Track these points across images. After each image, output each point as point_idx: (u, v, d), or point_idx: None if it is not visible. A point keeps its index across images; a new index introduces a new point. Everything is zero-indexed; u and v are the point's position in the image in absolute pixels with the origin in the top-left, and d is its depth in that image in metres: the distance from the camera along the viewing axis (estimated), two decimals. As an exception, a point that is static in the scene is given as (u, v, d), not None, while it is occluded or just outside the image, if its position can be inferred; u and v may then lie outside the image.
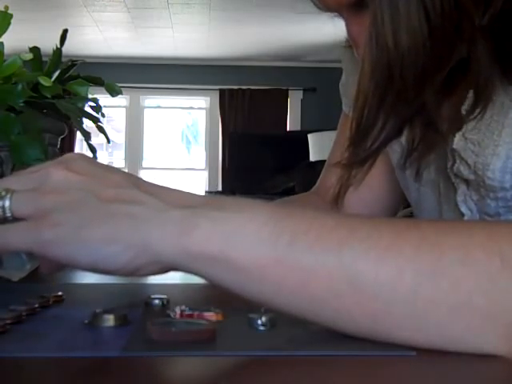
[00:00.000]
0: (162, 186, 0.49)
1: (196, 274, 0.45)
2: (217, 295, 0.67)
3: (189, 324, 0.46)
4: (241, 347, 0.43)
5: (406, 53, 0.58)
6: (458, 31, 0.57)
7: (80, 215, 0.46)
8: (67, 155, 0.51)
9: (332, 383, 0.38)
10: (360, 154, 0.66)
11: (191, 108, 7.21)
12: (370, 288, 0.42)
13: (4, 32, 0.82)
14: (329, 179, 0.92)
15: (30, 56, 0.85)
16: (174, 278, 0.86)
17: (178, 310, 0.49)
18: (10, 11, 0.82)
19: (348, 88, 0.89)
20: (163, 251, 0.44)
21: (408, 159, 0.70)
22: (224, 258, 0.44)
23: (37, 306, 0.52)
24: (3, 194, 0.47)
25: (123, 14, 5.23)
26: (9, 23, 0.82)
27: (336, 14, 0.65)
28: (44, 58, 0.90)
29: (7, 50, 0.84)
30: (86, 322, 0.47)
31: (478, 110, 0.62)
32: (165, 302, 0.55)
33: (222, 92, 6.75)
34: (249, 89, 6.68)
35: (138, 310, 0.52)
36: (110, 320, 0.47)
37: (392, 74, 0.59)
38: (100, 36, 5.87)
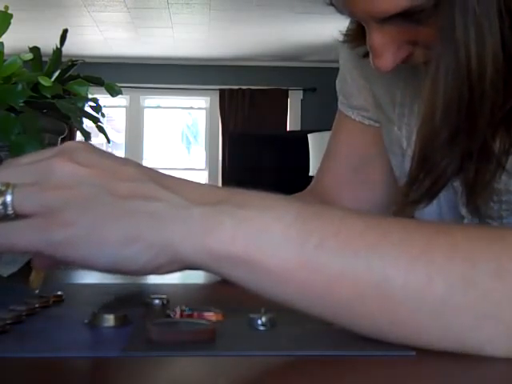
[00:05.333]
0: (178, 179, 0.46)
1: (218, 274, 0.44)
2: (217, 295, 0.67)
3: (189, 324, 0.46)
4: (241, 347, 0.42)
5: (489, 88, 0.55)
6: None
7: (93, 213, 0.42)
8: (68, 144, 0.46)
9: (332, 383, 0.38)
10: (419, 192, 0.61)
11: (191, 108, 7.21)
12: (397, 295, 0.41)
13: (4, 32, 0.82)
14: (326, 178, 0.91)
15: (29, 56, 0.85)
16: (174, 278, 0.86)
17: (178, 310, 0.49)
18: (9, 11, 0.82)
19: (346, 86, 0.88)
20: (185, 251, 0.43)
21: (468, 198, 0.63)
22: (248, 259, 0.42)
23: (37, 306, 0.52)
24: (3, 188, 0.43)
25: (123, 14, 5.22)
26: (9, 23, 0.82)
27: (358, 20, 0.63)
28: (44, 58, 0.90)
29: (7, 49, 0.84)
30: (86, 321, 0.47)
31: None
32: (165, 302, 0.54)
33: (221, 92, 6.75)
34: (249, 89, 6.68)
35: (138, 310, 0.52)
36: (110, 320, 0.47)
37: (471, 108, 0.56)
38: (100, 36, 5.86)
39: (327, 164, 0.92)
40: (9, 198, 0.43)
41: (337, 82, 0.90)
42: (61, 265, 0.45)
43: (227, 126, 6.67)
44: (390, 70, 0.62)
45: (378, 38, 0.61)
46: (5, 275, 0.72)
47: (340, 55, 0.88)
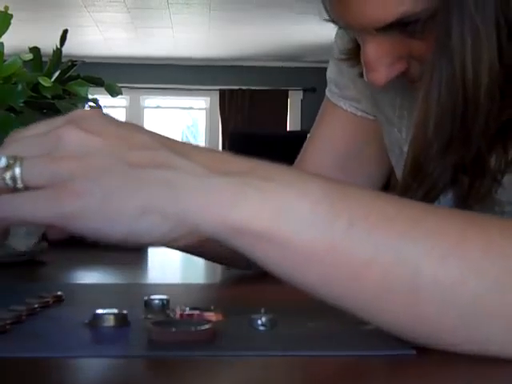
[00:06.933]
0: (194, 146, 0.44)
1: (237, 249, 0.41)
2: (217, 295, 0.67)
3: (189, 324, 0.46)
4: (241, 347, 0.42)
5: (483, 99, 0.54)
6: None
7: (105, 183, 0.40)
8: (77, 112, 0.44)
9: (332, 383, 0.38)
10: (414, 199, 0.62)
11: (191, 108, 7.21)
12: (426, 288, 0.39)
13: (4, 32, 0.82)
14: (310, 166, 0.86)
15: (29, 56, 0.85)
16: (174, 278, 0.86)
17: (178, 310, 0.49)
18: (10, 11, 0.82)
19: (342, 77, 0.83)
20: (204, 223, 0.40)
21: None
22: (272, 235, 0.40)
23: (37, 306, 0.52)
24: (11, 162, 0.41)
25: (123, 14, 5.22)
26: (9, 23, 0.82)
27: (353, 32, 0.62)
28: (44, 58, 0.90)
29: (7, 49, 0.84)
30: (86, 321, 0.47)
31: None
32: (165, 302, 0.54)
33: (221, 92, 6.75)
34: (249, 89, 6.68)
35: (138, 310, 0.52)
36: (110, 320, 0.47)
37: (465, 118, 0.55)
38: (100, 36, 5.86)
39: (312, 154, 0.87)
40: (18, 172, 0.41)
41: (329, 71, 0.87)
42: (75, 237, 0.43)
43: (227, 126, 6.67)
44: (384, 84, 0.61)
45: (372, 51, 0.60)
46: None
47: (335, 46, 0.84)
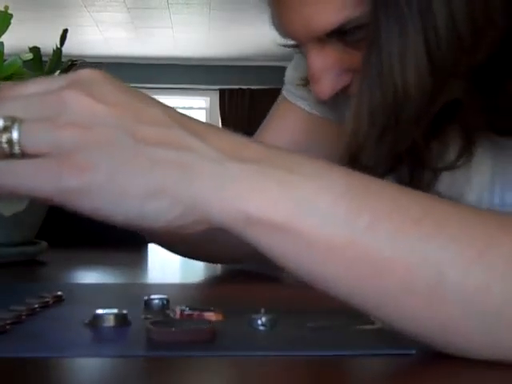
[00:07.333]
0: (208, 126, 0.41)
1: (248, 239, 0.39)
2: (217, 295, 0.67)
3: (189, 324, 0.46)
4: (241, 347, 0.42)
5: (413, 92, 0.54)
6: (454, 70, 0.55)
7: (113, 159, 0.37)
8: (83, 73, 0.40)
9: (332, 383, 0.38)
10: None
11: (191, 108, 7.21)
12: (449, 292, 0.38)
13: (4, 32, 0.82)
14: None
15: (29, 56, 0.85)
16: (174, 278, 0.86)
17: (178, 310, 0.49)
18: (9, 11, 0.82)
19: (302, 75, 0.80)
20: (215, 211, 0.38)
21: None
22: (290, 228, 0.38)
23: (37, 306, 0.52)
24: (8, 124, 0.38)
25: (123, 14, 5.23)
26: (9, 23, 0.82)
27: (296, 47, 0.62)
28: (44, 58, 0.90)
29: (7, 49, 0.84)
30: (86, 321, 0.47)
31: (465, 155, 0.60)
32: (165, 302, 0.54)
33: (221, 92, 6.75)
34: (249, 89, 6.68)
35: (138, 310, 0.52)
36: (110, 320, 0.47)
37: (396, 115, 0.55)
38: (100, 36, 5.86)
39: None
40: (15, 135, 0.37)
41: (288, 70, 0.86)
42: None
43: (227, 126, 6.67)
44: (328, 97, 0.60)
45: (316, 62, 0.59)
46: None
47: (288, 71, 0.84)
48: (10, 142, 0.38)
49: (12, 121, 0.38)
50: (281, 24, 0.60)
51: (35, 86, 0.40)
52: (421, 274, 0.38)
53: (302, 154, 0.41)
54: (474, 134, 0.60)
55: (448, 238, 0.39)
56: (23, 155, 0.38)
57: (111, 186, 0.37)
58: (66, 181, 0.37)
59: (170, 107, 0.41)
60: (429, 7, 0.53)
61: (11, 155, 0.38)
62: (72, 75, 0.40)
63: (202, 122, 0.41)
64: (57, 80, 0.40)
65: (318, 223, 0.38)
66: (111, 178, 0.37)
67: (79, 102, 0.38)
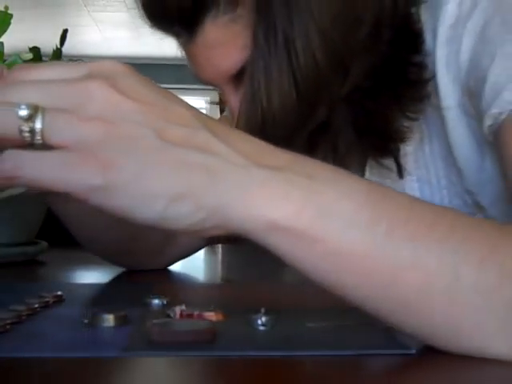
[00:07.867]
0: (233, 130, 0.41)
1: (269, 246, 0.39)
2: (217, 295, 0.67)
3: (189, 324, 0.46)
4: (241, 347, 0.42)
5: (277, 112, 0.60)
6: (320, 97, 0.61)
7: (139, 158, 0.36)
8: (108, 64, 0.39)
9: (332, 383, 0.38)
10: None
11: (191, 108, 7.21)
12: (465, 292, 0.39)
13: (4, 32, 0.82)
14: None
15: (29, 56, 0.85)
16: (174, 278, 0.86)
17: (177, 310, 0.49)
18: (10, 11, 0.82)
19: None
20: (237, 217, 0.38)
21: None
22: (311, 236, 0.38)
23: (37, 306, 0.52)
24: (31, 112, 0.36)
25: (123, 14, 5.23)
26: (9, 23, 0.82)
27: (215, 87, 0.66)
28: (44, 58, 0.90)
29: (7, 49, 0.84)
30: (86, 321, 0.47)
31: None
32: (165, 302, 0.54)
33: (221, 92, 6.75)
34: (249, 89, 6.68)
35: (138, 310, 0.52)
36: (109, 320, 0.47)
37: (264, 131, 0.60)
38: (100, 36, 5.86)
39: None
40: (38, 125, 0.36)
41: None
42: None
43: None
44: None
45: (234, 102, 0.64)
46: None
47: None
48: (32, 131, 0.36)
49: (35, 109, 0.36)
50: (195, 71, 0.65)
51: (54, 72, 0.39)
52: (439, 276, 0.39)
53: (318, 160, 0.41)
54: (345, 155, 0.64)
55: (460, 240, 0.40)
56: (43, 146, 0.37)
57: (136, 186, 0.36)
58: (90, 178, 0.36)
59: (193, 107, 0.40)
60: (293, 47, 0.59)
61: (32, 145, 0.37)
62: (94, 64, 0.39)
63: (228, 127, 0.41)
64: (77, 67, 0.39)
65: (339, 231, 0.39)
66: (137, 177, 0.36)
67: (105, 95, 0.37)
